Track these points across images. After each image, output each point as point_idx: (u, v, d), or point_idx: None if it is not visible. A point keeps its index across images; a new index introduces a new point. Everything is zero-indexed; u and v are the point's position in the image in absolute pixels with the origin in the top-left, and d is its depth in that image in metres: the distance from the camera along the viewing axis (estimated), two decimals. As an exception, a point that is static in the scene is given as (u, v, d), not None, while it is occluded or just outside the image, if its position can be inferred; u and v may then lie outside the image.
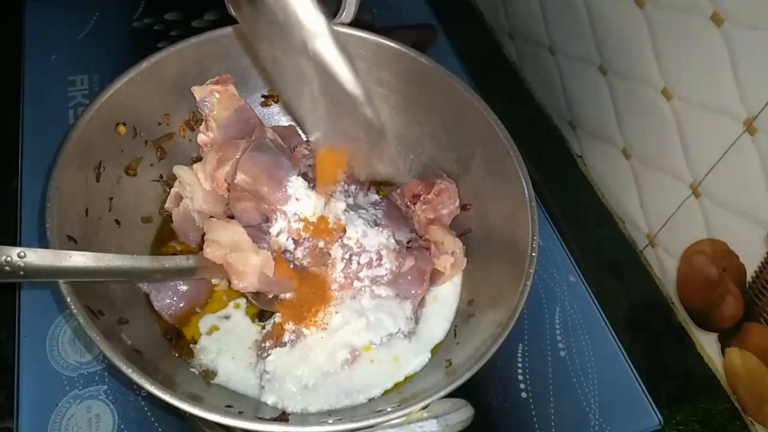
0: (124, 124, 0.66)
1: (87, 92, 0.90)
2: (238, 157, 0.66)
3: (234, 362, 0.63)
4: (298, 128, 0.78)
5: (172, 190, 0.69)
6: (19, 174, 0.81)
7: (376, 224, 0.69)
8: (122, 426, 0.65)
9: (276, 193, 0.64)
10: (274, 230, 0.65)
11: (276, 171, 0.65)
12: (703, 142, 0.76)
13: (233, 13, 0.66)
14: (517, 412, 0.70)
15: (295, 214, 0.64)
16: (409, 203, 0.74)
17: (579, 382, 0.73)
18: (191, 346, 0.64)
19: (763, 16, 0.65)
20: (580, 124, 0.99)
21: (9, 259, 0.48)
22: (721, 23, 0.69)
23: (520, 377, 0.73)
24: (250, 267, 0.61)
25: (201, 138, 0.70)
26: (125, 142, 0.67)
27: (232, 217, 0.67)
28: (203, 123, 0.70)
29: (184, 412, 0.50)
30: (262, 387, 0.61)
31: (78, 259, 0.52)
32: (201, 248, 0.63)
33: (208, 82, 0.70)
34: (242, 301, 0.67)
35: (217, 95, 0.69)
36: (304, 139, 0.76)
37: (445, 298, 0.70)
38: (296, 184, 0.65)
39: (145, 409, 0.67)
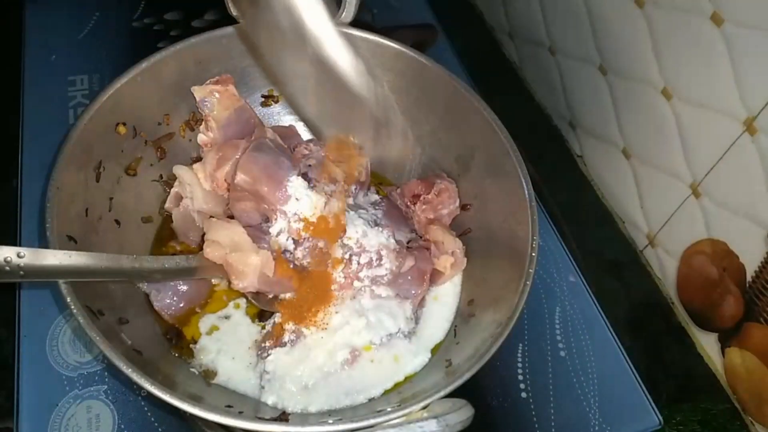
0: (124, 124, 0.66)
1: (87, 92, 0.90)
2: (238, 157, 0.66)
3: (234, 362, 0.63)
4: (297, 128, 0.78)
5: (172, 190, 0.69)
6: (19, 174, 0.81)
7: (376, 224, 0.68)
8: (122, 426, 0.65)
9: (276, 193, 0.64)
10: (274, 230, 0.65)
11: (276, 171, 0.65)
12: (703, 142, 0.76)
13: (233, 13, 0.66)
14: (517, 412, 0.70)
15: (295, 214, 0.64)
16: (409, 203, 0.74)
17: (579, 382, 0.73)
18: (191, 346, 0.64)
19: (763, 16, 0.65)
20: (580, 124, 0.99)
21: (9, 259, 0.48)
22: (721, 23, 0.69)
23: (520, 377, 0.73)
24: (250, 267, 0.61)
25: (201, 138, 0.70)
26: (125, 142, 0.67)
27: (232, 217, 0.67)
28: (203, 123, 0.70)
29: (184, 412, 0.50)
30: (262, 387, 0.61)
31: (78, 259, 0.52)
32: (201, 248, 0.63)
33: (208, 82, 0.70)
34: (242, 301, 0.67)
35: (217, 95, 0.69)
36: (304, 139, 0.76)
37: (445, 298, 0.70)
38: (296, 184, 0.64)
39: (145, 409, 0.67)
